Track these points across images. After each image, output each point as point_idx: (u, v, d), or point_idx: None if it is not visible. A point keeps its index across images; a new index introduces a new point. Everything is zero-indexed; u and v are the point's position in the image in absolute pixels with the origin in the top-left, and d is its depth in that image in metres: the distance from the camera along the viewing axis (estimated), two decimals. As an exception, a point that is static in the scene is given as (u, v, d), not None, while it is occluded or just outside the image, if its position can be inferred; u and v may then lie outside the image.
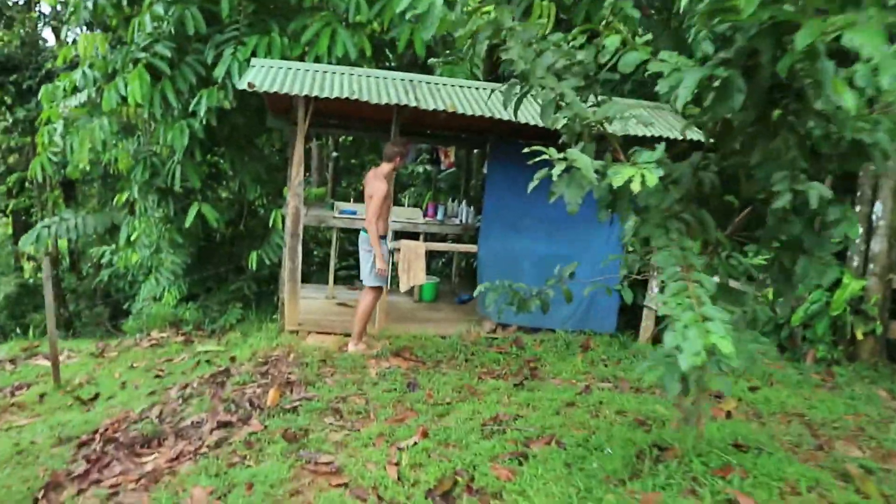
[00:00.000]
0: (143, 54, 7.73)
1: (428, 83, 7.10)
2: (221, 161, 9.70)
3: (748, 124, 2.29)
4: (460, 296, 9.07)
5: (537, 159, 2.25)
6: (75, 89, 9.32)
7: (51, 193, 15.72)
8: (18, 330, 13.59)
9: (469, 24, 2.50)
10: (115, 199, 11.26)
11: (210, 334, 9.30)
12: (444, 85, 7.16)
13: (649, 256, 3.29)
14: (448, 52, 10.23)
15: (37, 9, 15.28)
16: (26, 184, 15.91)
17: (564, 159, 2.06)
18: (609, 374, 5.84)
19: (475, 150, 10.83)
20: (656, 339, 7.44)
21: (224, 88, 7.67)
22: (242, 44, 7.54)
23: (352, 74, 6.85)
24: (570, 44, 2.56)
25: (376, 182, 6.16)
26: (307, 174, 12.89)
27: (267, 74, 6.39)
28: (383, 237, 6.28)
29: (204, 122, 7.84)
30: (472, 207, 9.01)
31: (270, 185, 9.96)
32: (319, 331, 7.01)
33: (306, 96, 6.14)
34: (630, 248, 3.53)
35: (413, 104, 6.28)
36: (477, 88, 7.29)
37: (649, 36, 2.58)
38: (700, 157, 2.53)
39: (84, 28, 10.62)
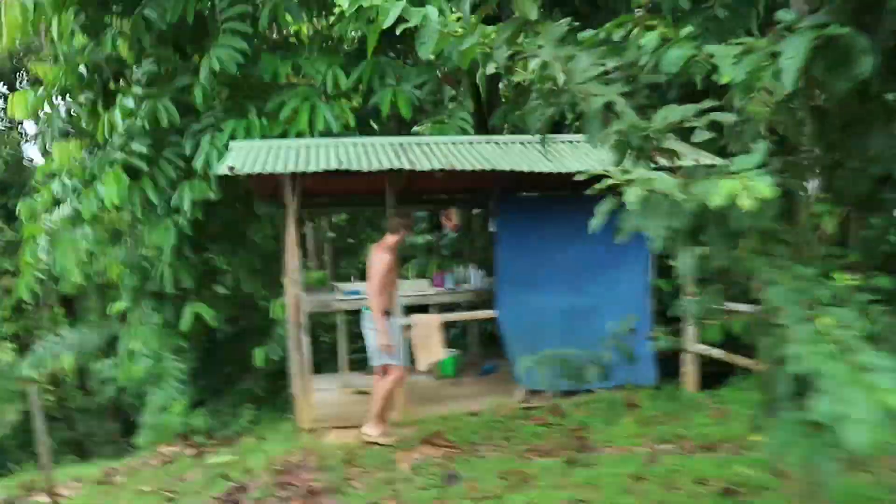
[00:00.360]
0: (119, 154, 7.34)
1: (419, 144, 6.67)
2: (214, 257, 9.21)
3: (858, 104, 1.80)
4: (483, 366, 8.42)
5: (594, 188, 1.72)
6: (56, 202, 8.95)
7: (49, 312, 15.29)
8: (24, 459, 12.89)
9: (473, 38, 2.02)
10: (112, 310, 10.77)
11: (222, 441, 8.65)
12: (436, 144, 6.73)
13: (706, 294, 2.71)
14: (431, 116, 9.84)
15: (20, 129, 15.25)
16: (23, 305, 15.49)
17: (633, 182, 1.54)
18: (668, 433, 5.16)
19: (474, 211, 10.35)
20: (705, 387, 6.76)
21: (206, 179, 7.25)
22: (220, 130, 7.15)
23: (337, 146, 6.43)
24: (605, 44, 2.09)
25: (379, 253, 5.68)
26: (304, 259, 12.42)
27: (247, 156, 5.96)
28: (389, 313, 5.75)
29: (190, 217, 7.38)
30: (481, 270, 8.48)
31: (267, 275, 9.44)
32: (339, 425, 6.36)
33: (293, 174, 5.69)
34: (688, 289, 2.93)
35: (407, 167, 5.83)
36: (471, 143, 6.86)
37: (691, 28, 2.12)
38: (781, 161, 2.01)
39: (63, 138, 10.36)
